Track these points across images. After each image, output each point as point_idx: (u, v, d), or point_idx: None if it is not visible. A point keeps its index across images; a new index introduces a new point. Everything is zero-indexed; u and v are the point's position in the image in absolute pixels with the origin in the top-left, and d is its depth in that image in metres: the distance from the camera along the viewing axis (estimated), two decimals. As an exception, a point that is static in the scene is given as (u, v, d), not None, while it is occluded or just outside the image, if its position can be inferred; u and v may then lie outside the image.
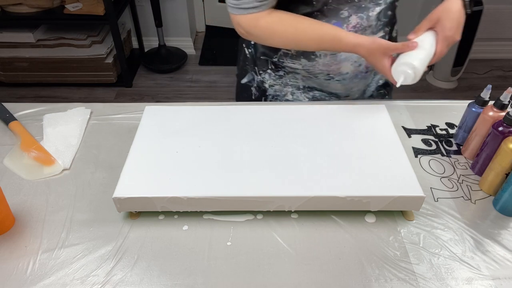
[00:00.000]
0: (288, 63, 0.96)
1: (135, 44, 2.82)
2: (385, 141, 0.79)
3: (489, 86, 0.79)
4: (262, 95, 1.04)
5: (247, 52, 1.02)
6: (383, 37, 0.95)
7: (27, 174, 0.79)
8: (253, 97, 1.06)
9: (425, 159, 0.83)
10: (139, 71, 2.69)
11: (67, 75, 2.47)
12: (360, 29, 0.88)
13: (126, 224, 0.70)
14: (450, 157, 0.84)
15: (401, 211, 0.72)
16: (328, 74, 0.96)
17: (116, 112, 0.95)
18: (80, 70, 2.44)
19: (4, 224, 0.69)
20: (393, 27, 0.96)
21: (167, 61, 2.70)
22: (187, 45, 2.85)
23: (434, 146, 0.86)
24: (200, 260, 0.65)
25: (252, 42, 1.00)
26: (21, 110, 0.94)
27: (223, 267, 0.64)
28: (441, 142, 0.88)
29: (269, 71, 0.99)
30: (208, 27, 3.14)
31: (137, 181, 0.70)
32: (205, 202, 0.68)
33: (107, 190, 0.75)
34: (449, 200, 0.75)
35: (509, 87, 0.75)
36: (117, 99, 2.45)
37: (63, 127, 0.89)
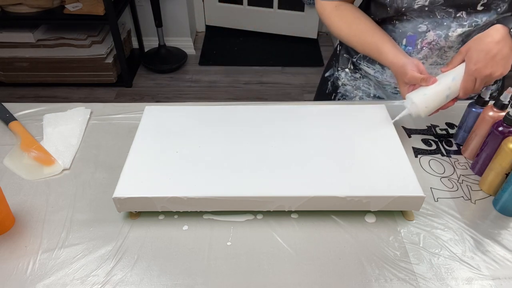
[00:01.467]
0: (364, 65, 0.98)
1: (135, 44, 2.82)
2: (385, 141, 0.79)
3: (489, 86, 0.79)
4: (334, 91, 1.07)
5: (338, 48, 1.07)
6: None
7: (27, 174, 0.79)
8: (327, 91, 1.09)
9: (425, 159, 0.83)
10: (139, 71, 2.69)
11: (67, 75, 2.47)
12: (437, 48, 0.85)
13: (126, 224, 0.70)
14: (450, 157, 0.84)
15: (401, 211, 0.72)
16: (396, 88, 0.96)
17: (116, 112, 0.95)
18: (80, 70, 2.44)
19: (4, 224, 0.69)
20: None
21: (167, 61, 2.70)
22: (187, 45, 2.85)
23: (434, 146, 0.86)
24: (200, 260, 0.65)
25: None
26: (21, 110, 0.94)
27: (223, 267, 0.64)
28: (441, 142, 0.88)
29: (347, 70, 1.02)
30: (208, 27, 3.15)
31: (137, 181, 0.70)
32: (205, 202, 0.68)
33: (107, 190, 0.75)
34: (449, 200, 0.75)
35: (509, 87, 0.75)
36: (117, 99, 2.45)
37: (63, 127, 0.89)
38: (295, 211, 0.72)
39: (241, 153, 0.75)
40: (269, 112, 0.86)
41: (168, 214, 0.72)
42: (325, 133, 0.80)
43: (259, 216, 0.71)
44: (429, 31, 0.83)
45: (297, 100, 2.48)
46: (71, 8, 2.26)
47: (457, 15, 0.79)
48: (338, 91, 1.05)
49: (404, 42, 0.88)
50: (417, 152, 0.85)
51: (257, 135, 0.80)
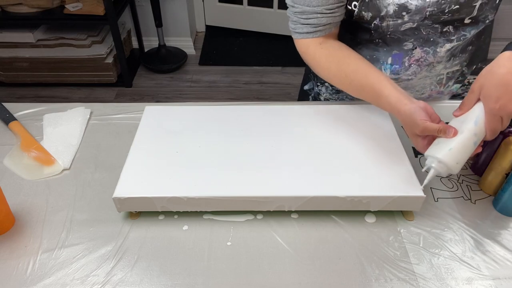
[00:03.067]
0: None
1: (135, 44, 2.82)
2: (385, 141, 0.79)
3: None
4: None
5: None
6: (457, 71, 0.87)
7: (27, 174, 0.79)
8: None
9: (425, 159, 0.83)
10: (139, 71, 2.69)
11: (67, 75, 2.47)
12: (426, 64, 0.82)
13: (126, 224, 0.70)
14: (450, 157, 0.84)
15: (401, 211, 0.72)
16: None
17: (116, 112, 0.95)
18: (80, 70, 2.44)
19: (4, 224, 0.69)
20: (477, 60, 0.84)
21: (167, 61, 2.70)
22: (187, 45, 2.85)
23: (434, 146, 0.86)
24: (200, 260, 0.65)
25: None
26: (21, 110, 0.94)
27: (223, 267, 0.64)
28: (441, 142, 0.88)
29: (326, 84, 0.97)
30: (208, 27, 3.14)
31: (137, 181, 0.70)
32: (205, 202, 0.68)
33: (107, 190, 0.75)
34: (449, 200, 0.75)
35: (509, 87, 0.75)
36: (117, 99, 2.44)
37: (63, 127, 0.89)
38: (295, 211, 0.72)
39: (241, 153, 0.75)
40: (269, 112, 0.86)
41: (168, 214, 0.72)
42: (325, 133, 0.80)
43: (259, 216, 0.71)
44: (416, 48, 0.80)
45: (297, 100, 2.48)
46: (71, 8, 2.26)
47: (444, 30, 0.77)
48: None
49: (389, 61, 0.84)
50: (417, 152, 0.85)
51: (257, 135, 0.80)
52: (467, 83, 0.92)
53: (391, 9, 0.72)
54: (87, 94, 2.48)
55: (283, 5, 2.94)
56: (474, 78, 0.85)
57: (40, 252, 0.66)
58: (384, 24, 0.76)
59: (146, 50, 2.81)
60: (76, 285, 0.61)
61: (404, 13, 0.72)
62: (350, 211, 0.72)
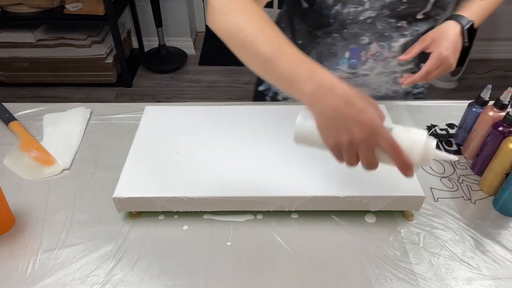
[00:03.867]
0: None
1: (135, 44, 2.82)
2: (385, 141, 0.79)
3: (489, 86, 0.79)
4: None
5: None
6: (410, 69, 0.89)
7: (27, 174, 0.79)
8: None
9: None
10: (139, 71, 2.69)
11: (67, 75, 2.47)
12: (381, 59, 0.84)
13: (126, 224, 0.70)
14: (450, 157, 0.84)
15: (401, 211, 0.72)
16: None
17: (116, 112, 0.95)
18: (80, 70, 2.44)
19: (4, 224, 0.69)
20: (425, 59, 0.87)
21: (167, 61, 2.70)
22: (187, 45, 2.85)
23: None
24: (200, 260, 0.65)
25: None
26: (21, 110, 0.94)
27: (223, 267, 0.64)
28: (441, 142, 0.88)
29: None
30: (208, 27, 3.14)
31: (137, 181, 0.70)
32: (205, 202, 0.68)
33: (107, 190, 0.74)
34: (449, 200, 0.75)
35: (509, 87, 0.75)
36: (117, 99, 2.44)
37: (63, 127, 0.89)
38: (295, 211, 0.72)
39: (241, 153, 0.75)
40: (269, 112, 0.86)
41: (168, 214, 0.72)
42: (325, 133, 0.80)
43: (259, 216, 0.71)
44: (372, 42, 0.82)
45: (297, 100, 2.48)
46: (71, 8, 2.26)
47: (398, 25, 0.79)
48: None
49: (347, 55, 0.84)
50: (417, 152, 0.85)
51: (257, 135, 0.80)
52: (425, 85, 0.96)
53: None
54: (87, 94, 2.48)
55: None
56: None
57: (40, 252, 0.66)
58: (345, 11, 0.76)
59: (146, 50, 2.81)
60: (76, 285, 0.61)
61: (365, 0, 0.74)
62: (350, 211, 0.72)
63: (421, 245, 0.67)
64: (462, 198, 0.75)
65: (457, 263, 0.65)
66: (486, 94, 0.80)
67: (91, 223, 0.70)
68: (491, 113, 0.77)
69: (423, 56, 0.85)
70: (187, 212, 0.71)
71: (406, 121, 0.93)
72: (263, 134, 0.80)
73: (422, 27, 0.80)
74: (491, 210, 0.73)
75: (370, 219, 0.71)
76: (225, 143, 0.78)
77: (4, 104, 0.94)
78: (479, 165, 0.79)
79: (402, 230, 0.69)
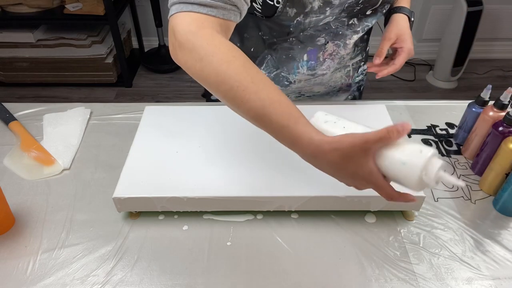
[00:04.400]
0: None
1: (135, 44, 2.82)
2: (385, 141, 0.79)
3: (489, 86, 0.79)
4: None
5: None
6: (359, 62, 0.93)
7: (27, 174, 0.79)
8: None
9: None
10: (139, 71, 2.69)
11: (67, 75, 2.46)
12: (338, 57, 0.86)
13: (126, 224, 0.70)
14: (450, 157, 0.84)
15: (401, 211, 0.72)
16: (300, 92, 0.95)
17: (116, 112, 0.95)
18: (80, 70, 2.44)
19: (4, 224, 0.69)
20: (367, 50, 0.96)
21: (167, 61, 2.70)
22: (187, 45, 2.84)
23: (434, 146, 0.86)
24: (200, 260, 0.65)
25: None
26: (21, 110, 0.94)
27: (223, 267, 0.64)
28: (441, 142, 0.88)
29: None
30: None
31: (137, 181, 0.70)
32: (205, 202, 0.68)
33: (107, 190, 0.74)
34: (449, 200, 0.75)
35: (509, 87, 0.75)
36: (117, 99, 2.44)
37: (63, 127, 0.89)
38: (295, 211, 0.72)
39: (241, 153, 0.75)
40: (269, 112, 0.86)
41: (168, 214, 0.72)
42: (325, 133, 0.80)
43: (259, 216, 0.71)
44: (328, 42, 0.83)
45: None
46: (71, 8, 2.26)
47: (350, 22, 0.81)
48: None
49: (305, 57, 0.85)
50: (417, 152, 0.85)
51: (257, 135, 0.80)
52: (364, 72, 0.99)
53: (316, 5, 0.73)
54: (87, 94, 2.48)
55: (283, 5, 2.94)
56: (365, 69, 0.97)
57: (40, 252, 0.66)
58: (307, 20, 0.76)
59: (146, 50, 2.81)
60: (76, 285, 0.61)
61: (327, 9, 0.75)
62: (350, 211, 0.72)
63: (421, 245, 0.67)
64: (462, 198, 0.75)
65: (457, 263, 0.65)
66: (486, 94, 0.80)
67: (91, 223, 0.70)
68: (491, 113, 0.77)
69: (365, 45, 0.92)
70: (187, 212, 0.71)
71: (406, 120, 0.92)
72: (263, 134, 0.80)
73: (371, 21, 0.84)
74: (491, 210, 0.73)
75: (370, 219, 0.71)
76: (225, 143, 0.78)
77: (4, 104, 0.94)
78: (479, 165, 0.79)
79: (402, 230, 0.69)
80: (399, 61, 0.81)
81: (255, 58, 0.87)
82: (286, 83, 0.89)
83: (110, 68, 2.43)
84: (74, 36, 2.40)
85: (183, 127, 0.82)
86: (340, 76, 0.93)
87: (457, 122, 0.91)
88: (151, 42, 2.80)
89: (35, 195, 0.75)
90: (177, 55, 0.57)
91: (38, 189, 0.76)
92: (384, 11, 0.84)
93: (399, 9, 0.84)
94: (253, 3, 0.74)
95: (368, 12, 0.81)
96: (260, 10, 0.75)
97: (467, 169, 0.82)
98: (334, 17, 0.79)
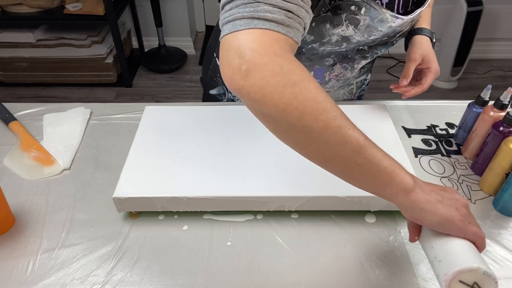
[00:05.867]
0: None
1: (135, 44, 2.82)
2: (385, 141, 0.79)
3: (489, 86, 0.79)
4: None
5: (218, 63, 0.90)
6: (363, 80, 0.93)
7: (27, 174, 0.79)
8: None
9: (425, 159, 0.83)
10: (139, 71, 2.69)
11: (67, 75, 2.46)
12: (343, 79, 0.87)
13: (126, 224, 0.70)
14: (450, 157, 0.84)
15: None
16: None
17: (116, 112, 0.95)
18: (80, 70, 2.44)
19: (4, 224, 0.69)
20: (372, 67, 0.96)
21: (167, 61, 2.70)
22: (187, 45, 2.85)
23: (434, 146, 0.86)
24: (200, 260, 0.65)
25: None
26: (21, 110, 0.94)
27: (223, 267, 0.64)
28: (441, 142, 0.88)
29: None
30: (208, 27, 3.14)
31: (137, 181, 0.70)
32: (205, 202, 0.68)
33: (107, 190, 0.74)
34: (449, 200, 0.75)
35: (509, 87, 0.75)
36: (117, 99, 2.44)
37: (63, 127, 0.89)
38: (295, 211, 0.72)
39: (241, 153, 0.75)
40: (269, 112, 0.86)
41: (168, 214, 0.72)
42: (325, 133, 0.80)
43: (259, 216, 0.71)
44: (336, 64, 0.83)
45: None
46: (71, 8, 2.26)
47: (360, 48, 0.82)
48: None
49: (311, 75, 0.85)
50: (417, 152, 0.85)
51: (257, 134, 0.80)
52: (366, 83, 0.99)
53: (334, 38, 0.73)
54: (87, 94, 2.48)
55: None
56: (367, 80, 0.98)
57: (40, 252, 0.66)
58: (322, 48, 0.77)
59: (146, 50, 2.81)
60: (76, 285, 0.61)
61: (344, 43, 0.75)
62: (350, 211, 0.72)
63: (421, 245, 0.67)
64: (462, 198, 0.75)
65: (457, 263, 0.64)
66: (486, 94, 0.80)
67: (91, 223, 0.70)
68: (491, 113, 0.77)
69: (371, 66, 0.92)
70: (187, 212, 0.71)
71: (406, 120, 0.93)
72: (263, 134, 0.80)
73: (381, 50, 0.84)
74: (491, 210, 0.73)
75: (370, 219, 0.71)
76: (225, 143, 0.78)
77: (4, 104, 0.94)
78: (479, 165, 0.79)
79: (402, 230, 0.69)
80: (427, 81, 0.80)
81: None
82: None
83: (110, 68, 2.43)
84: (74, 36, 2.40)
85: (183, 127, 0.82)
86: (343, 93, 0.94)
87: (457, 122, 0.91)
88: (151, 42, 2.80)
89: (35, 195, 0.75)
90: (245, 79, 0.44)
91: (38, 189, 0.76)
92: (395, 42, 0.83)
93: (420, 31, 0.83)
94: None
95: (380, 42, 0.81)
96: None
97: (467, 169, 0.82)
98: (344, 47, 0.78)
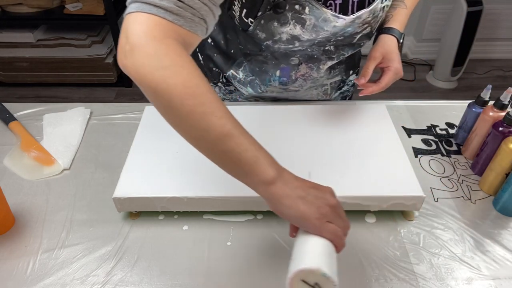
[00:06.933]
0: (236, 84, 0.91)
1: (135, 44, 2.82)
2: (385, 141, 0.79)
3: (489, 86, 0.79)
4: None
5: (200, 57, 0.92)
6: (339, 80, 0.92)
7: (27, 174, 0.79)
8: None
9: (425, 159, 0.83)
10: (139, 71, 2.69)
11: (67, 75, 2.46)
12: (310, 79, 0.86)
13: (126, 224, 0.70)
14: (450, 157, 0.84)
15: (401, 211, 0.72)
16: (275, 98, 0.95)
17: (116, 112, 0.95)
18: (80, 70, 2.44)
19: (4, 224, 0.69)
20: (351, 68, 0.93)
21: (167, 61, 2.70)
22: (187, 45, 2.84)
23: (434, 146, 0.86)
24: (200, 260, 0.65)
25: (206, 48, 0.90)
26: (21, 110, 0.94)
27: (223, 267, 0.64)
28: (441, 142, 0.88)
29: (219, 84, 0.94)
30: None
31: (137, 181, 0.70)
32: (205, 202, 0.68)
33: (107, 190, 0.74)
34: (449, 200, 0.75)
35: (509, 87, 0.75)
36: (117, 99, 2.44)
37: (63, 127, 0.89)
38: (295, 211, 0.72)
39: (241, 153, 0.75)
40: (268, 112, 0.86)
41: (168, 214, 0.72)
42: (325, 133, 0.80)
43: (259, 216, 0.71)
44: (301, 63, 0.83)
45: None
46: (71, 8, 2.26)
47: (326, 48, 0.81)
48: None
49: (278, 73, 0.85)
50: (417, 152, 0.85)
51: (257, 135, 0.80)
52: (351, 83, 0.98)
53: (284, 37, 0.74)
54: (87, 94, 2.48)
55: (283, 5, 2.93)
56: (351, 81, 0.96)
57: (40, 252, 0.66)
58: (276, 46, 0.77)
59: (146, 50, 2.81)
60: (76, 285, 0.61)
61: (296, 42, 0.75)
62: (350, 211, 0.72)
63: (421, 245, 0.67)
64: (462, 198, 0.75)
65: (457, 263, 0.65)
66: (486, 94, 0.80)
67: (91, 223, 0.70)
68: (491, 113, 0.77)
69: (351, 63, 0.91)
70: (187, 212, 0.71)
71: (406, 120, 0.93)
72: (263, 134, 0.80)
73: (347, 51, 0.83)
74: (491, 210, 0.73)
75: (370, 219, 0.71)
76: (225, 143, 0.78)
77: (4, 104, 0.94)
78: (479, 165, 0.79)
79: (402, 230, 0.69)
80: (385, 80, 0.77)
81: (234, 60, 0.87)
82: (259, 90, 0.90)
83: (110, 68, 2.43)
84: (74, 36, 2.40)
85: (183, 127, 0.82)
86: (317, 94, 0.94)
87: (457, 122, 0.91)
88: (151, 42, 2.80)
89: (35, 195, 0.75)
90: (127, 59, 0.49)
91: (38, 189, 0.76)
92: (363, 44, 0.83)
93: (387, 30, 0.81)
94: (233, 11, 0.74)
95: (346, 43, 0.81)
96: (238, 22, 0.75)
97: (467, 169, 0.82)
98: (305, 48, 0.79)
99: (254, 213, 0.72)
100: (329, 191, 0.54)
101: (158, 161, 0.74)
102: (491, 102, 0.78)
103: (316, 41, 0.76)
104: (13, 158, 0.82)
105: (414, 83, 2.57)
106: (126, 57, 0.49)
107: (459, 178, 0.79)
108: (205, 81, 0.51)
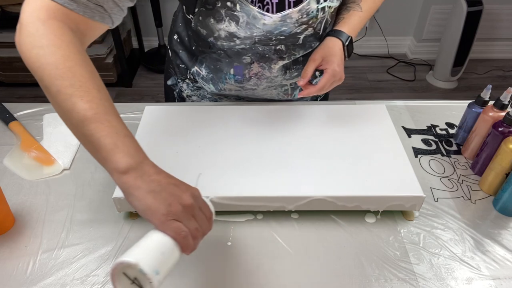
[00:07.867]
0: (199, 80, 0.92)
1: (135, 44, 2.82)
2: (385, 141, 0.79)
3: (489, 86, 0.79)
4: (183, 101, 1.00)
5: (169, 53, 0.95)
6: (293, 88, 0.91)
7: (27, 174, 0.79)
8: (175, 101, 1.01)
9: (425, 159, 0.83)
10: (139, 71, 2.69)
11: (67, 75, 2.46)
12: (264, 78, 0.86)
13: (126, 224, 0.70)
14: (450, 157, 0.84)
15: (401, 211, 0.72)
16: (238, 96, 0.95)
17: (116, 112, 0.94)
18: (80, 70, 2.43)
19: (4, 224, 0.69)
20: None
21: (167, 61, 2.70)
22: (187, 45, 2.84)
23: (434, 146, 0.86)
24: (200, 260, 0.65)
25: (173, 45, 0.92)
26: (21, 110, 0.94)
27: (223, 267, 0.64)
28: (441, 142, 0.88)
29: (187, 80, 0.94)
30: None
31: (137, 181, 0.70)
32: (205, 202, 0.68)
33: (107, 190, 0.75)
34: (449, 200, 0.75)
35: (509, 87, 0.75)
36: (117, 99, 2.44)
37: (63, 127, 0.88)
38: (295, 211, 0.72)
39: (241, 153, 0.75)
40: (268, 112, 0.86)
41: (168, 214, 0.71)
42: (325, 133, 0.80)
43: (259, 216, 0.71)
44: (253, 62, 0.83)
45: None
46: (71, 8, 2.26)
47: (277, 48, 0.81)
48: (186, 101, 0.99)
49: (232, 71, 0.85)
50: (417, 152, 0.85)
51: (257, 135, 0.80)
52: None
53: (222, 34, 0.75)
54: (87, 94, 2.47)
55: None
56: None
57: (40, 252, 0.66)
58: (219, 43, 0.78)
59: (146, 50, 2.81)
60: (76, 285, 0.61)
61: (235, 38, 0.76)
62: (350, 211, 0.72)
63: (421, 245, 0.67)
64: (462, 198, 0.75)
65: (457, 263, 0.65)
66: (486, 94, 0.80)
67: (91, 223, 0.70)
68: (491, 113, 0.77)
69: (304, 65, 0.87)
70: (187, 212, 0.71)
71: (406, 120, 0.93)
72: (263, 134, 0.80)
73: (299, 52, 0.83)
74: (491, 210, 0.74)
75: (370, 219, 0.71)
76: (225, 143, 0.78)
77: (4, 104, 0.94)
78: (479, 165, 0.79)
79: (402, 230, 0.69)
80: (322, 82, 0.76)
81: (196, 56, 0.88)
82: (219, 88, 0.90)
83: (110, 68, 2.43)
84: (74, 36, 2.40)
85: (183, 127, 0.82)
86: (277, 93, 0.93)
87: (457, 122, 0.91)
88: (151, 42, 2.80)
89: (35, 195, 0.75)
90: (16, 36, 0.55)
91: (38, 189, 0.76)
92: (314, 45, 0.82)
93: (333, 33, 0.80)
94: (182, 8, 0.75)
95: (295, 44, 0.80)
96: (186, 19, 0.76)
97: (467, 169, 0.82)
98: (248, 46, 0.78)
99: (254, 213, 0.72)
100: (191, 191, 0.53)
101: (158, 161, 0.74)
102: (491, 102, 0.78)
103: (257, 39, 0.76)
104: (13, 158, 0.82)
105: (414, 83, 2.57)
106: (17, 36, 0.55)
107: (459, 178, 0.80)
108: (82, 65, 0.52)
